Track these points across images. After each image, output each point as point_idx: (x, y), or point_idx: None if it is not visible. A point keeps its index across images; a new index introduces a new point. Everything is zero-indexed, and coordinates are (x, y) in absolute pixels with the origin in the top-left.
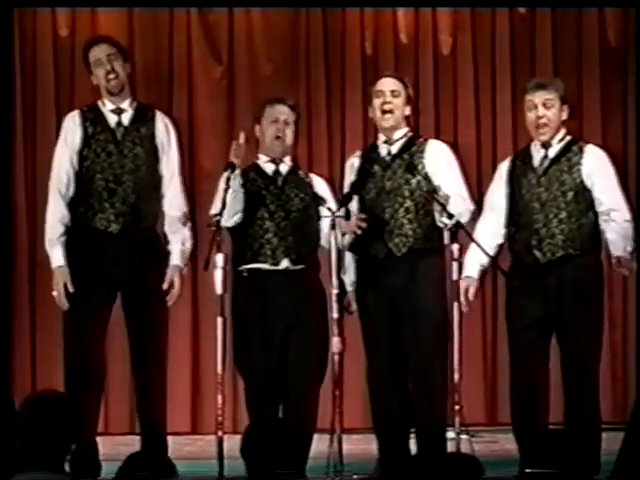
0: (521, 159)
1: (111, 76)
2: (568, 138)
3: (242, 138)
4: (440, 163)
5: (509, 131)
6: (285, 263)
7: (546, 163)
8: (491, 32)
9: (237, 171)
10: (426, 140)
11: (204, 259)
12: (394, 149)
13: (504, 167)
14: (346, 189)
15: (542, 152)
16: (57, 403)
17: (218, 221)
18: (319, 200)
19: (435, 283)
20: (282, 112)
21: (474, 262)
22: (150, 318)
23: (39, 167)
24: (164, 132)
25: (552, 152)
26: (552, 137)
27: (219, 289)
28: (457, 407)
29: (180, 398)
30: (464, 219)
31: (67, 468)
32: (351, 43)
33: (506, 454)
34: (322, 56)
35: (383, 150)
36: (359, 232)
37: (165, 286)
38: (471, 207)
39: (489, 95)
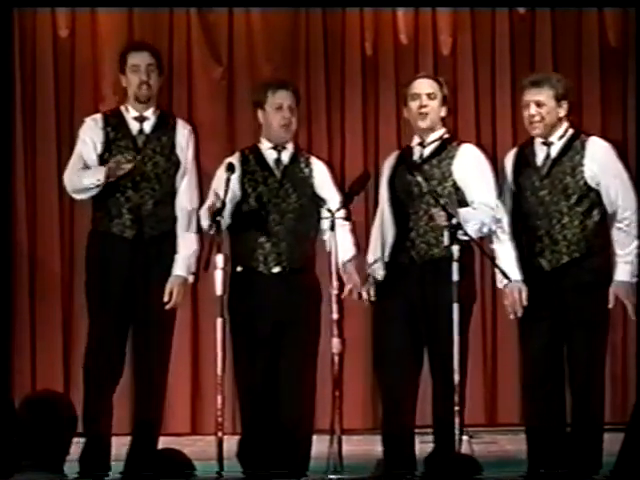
0: (524, 156)
1: (144, 86)
2: (570, 133)
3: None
4: (469, 169)
5: (509, 131)
6: (277, 269)
7: (548, 163)
8: (491, 32)
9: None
10: (459, 144)
11: (204, 260)
12: (426, 152)
13: (509, 163)
14: (381, 188)
15: (544, 150)
16: (55, 404)
17: (218, 222)
18: (319, 201)
19: (458, 292)
20: (286, 98)
21: (513, 264)
22: (158, 322)
23: (39, 167)
24: (184, 141)
25: (554, 151)
26: (550, 133)
27: (219, 290)
28: (457, 408)
29: (180, 399)
30: (491, 228)
31: (68, 467)
32: (351, 43)
33: (505, 455)
34: (322, 56)
35: (416, 153)
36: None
37: (165, 298)
38: (498, 216)
39: (489, 95)
